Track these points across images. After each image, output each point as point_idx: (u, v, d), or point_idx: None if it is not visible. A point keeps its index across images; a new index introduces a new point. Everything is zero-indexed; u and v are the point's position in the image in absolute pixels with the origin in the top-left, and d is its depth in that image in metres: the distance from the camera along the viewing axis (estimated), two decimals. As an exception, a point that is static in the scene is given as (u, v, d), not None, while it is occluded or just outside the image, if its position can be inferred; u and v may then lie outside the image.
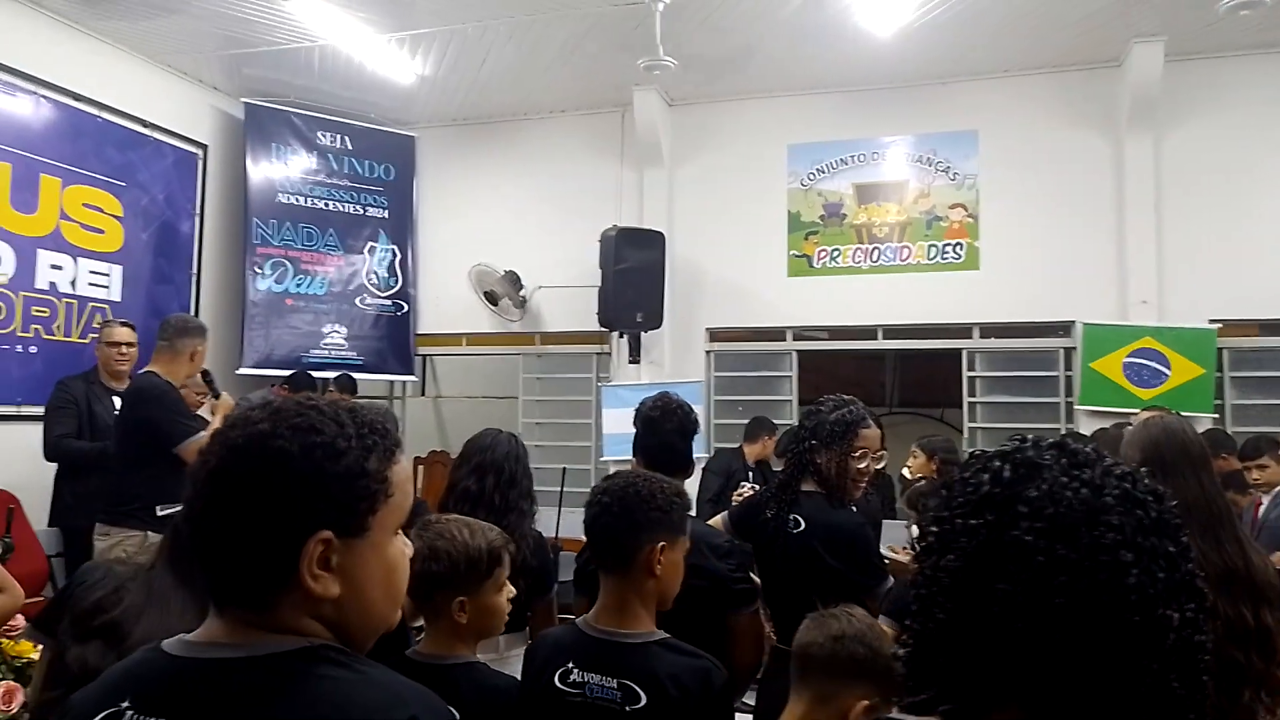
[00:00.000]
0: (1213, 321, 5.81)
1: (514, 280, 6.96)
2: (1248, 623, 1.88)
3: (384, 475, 1.00)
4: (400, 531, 1.05)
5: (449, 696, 1.03)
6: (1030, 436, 0.91)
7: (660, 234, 6.49)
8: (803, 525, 2.55)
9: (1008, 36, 5.82)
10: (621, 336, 6.65)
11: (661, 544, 1.86)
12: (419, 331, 7.47)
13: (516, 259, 6.99)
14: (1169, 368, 5.82)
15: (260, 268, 6.82)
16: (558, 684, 1.81)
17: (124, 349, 4.69)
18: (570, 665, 1.82)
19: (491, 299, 7.02)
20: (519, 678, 1.95)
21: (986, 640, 0.82)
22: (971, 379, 6.39)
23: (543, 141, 7.30)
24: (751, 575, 2.58)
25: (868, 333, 6.68)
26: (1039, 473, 0.84)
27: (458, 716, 0.97)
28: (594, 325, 6.58)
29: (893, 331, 6.64)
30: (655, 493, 1.90)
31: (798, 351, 6.80)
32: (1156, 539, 0.80)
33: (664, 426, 2.65)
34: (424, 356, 7.74)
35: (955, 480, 0.90)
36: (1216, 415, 5.75)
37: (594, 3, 5.41)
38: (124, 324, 4.81)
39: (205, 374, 4.14)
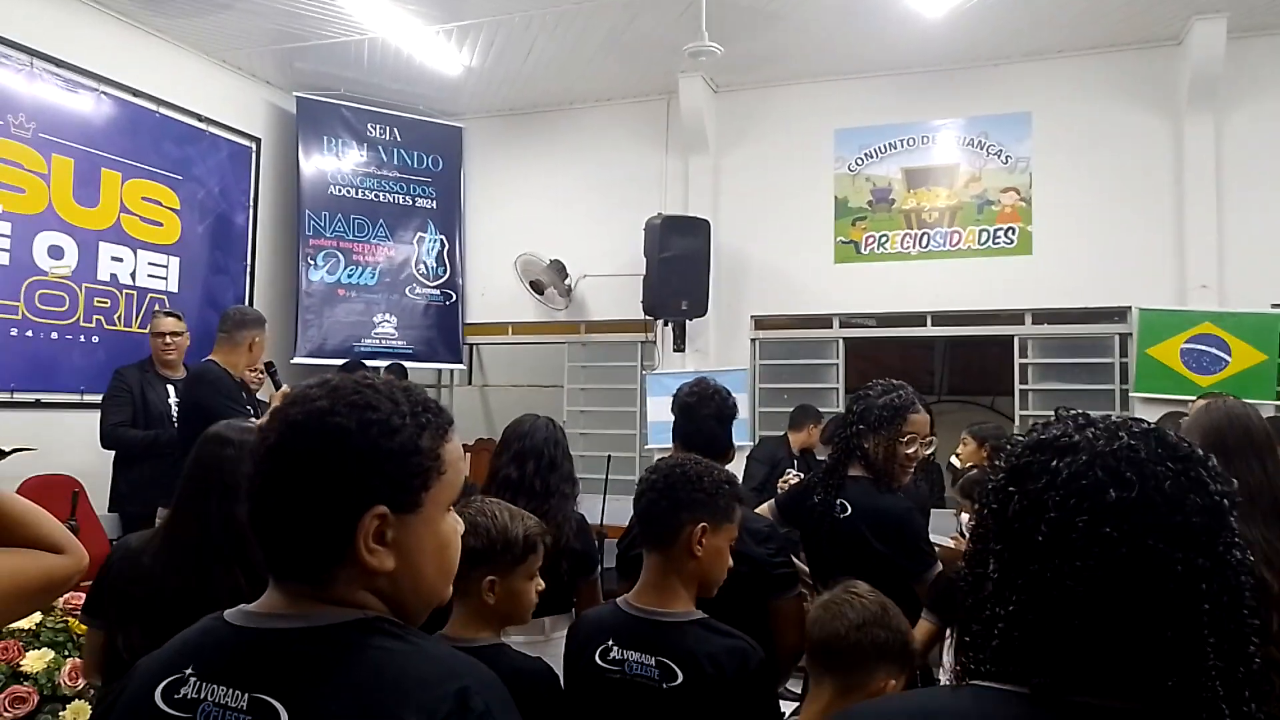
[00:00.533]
0: (1276, 306, 5.63)
1: (559, 269, 7.00)
2: None
3: (437, 452, 1.03)
4: (452, 509, 1.08)
5: None
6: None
7: (705, 221, 6.48)
8: (850, 510, 2.54)
9: (1061, 15, 5.68)
10: (666, 325, 6.66)
11: (704, 525, 1.88)
12: (466, 321, 7.55)
13: (562, 248, 7.03)
14: (1230, 354, 5.66)
15: (313, 258, 6.95)
16: (598, 661, 1.84)
17: (169, 338, 4.82)
18: (610, 643, 1.84)
19: (537, 288, 7.07)
20: (561, 658, 1.98)
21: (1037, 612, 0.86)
22: (1024, 366, 6.28)
23: (588, 130, 7.31)
24: (795, 560, 2.57)
25: (916, 319, 6.59)
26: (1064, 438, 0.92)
27: (506, 689, 0.98)
28: (639, 314, 6.59)
29: (942, 318, 6.54)
30: (703, 475, 1.94)
31: (844, 339, 6.74)
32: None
33: (701, 412, 2.66)
34: (471, 345, 7.83)
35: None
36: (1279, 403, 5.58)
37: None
38: (170, 314, 4.95)
39: (269, 365, 4.26)
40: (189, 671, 0.97)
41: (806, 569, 2.74)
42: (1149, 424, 0.92)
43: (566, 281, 7.02)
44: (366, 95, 7.12)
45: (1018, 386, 6.27)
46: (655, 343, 6.95)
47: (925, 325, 6.59)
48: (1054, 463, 0.88)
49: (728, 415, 2.68)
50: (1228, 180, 5.78)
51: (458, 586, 1.90)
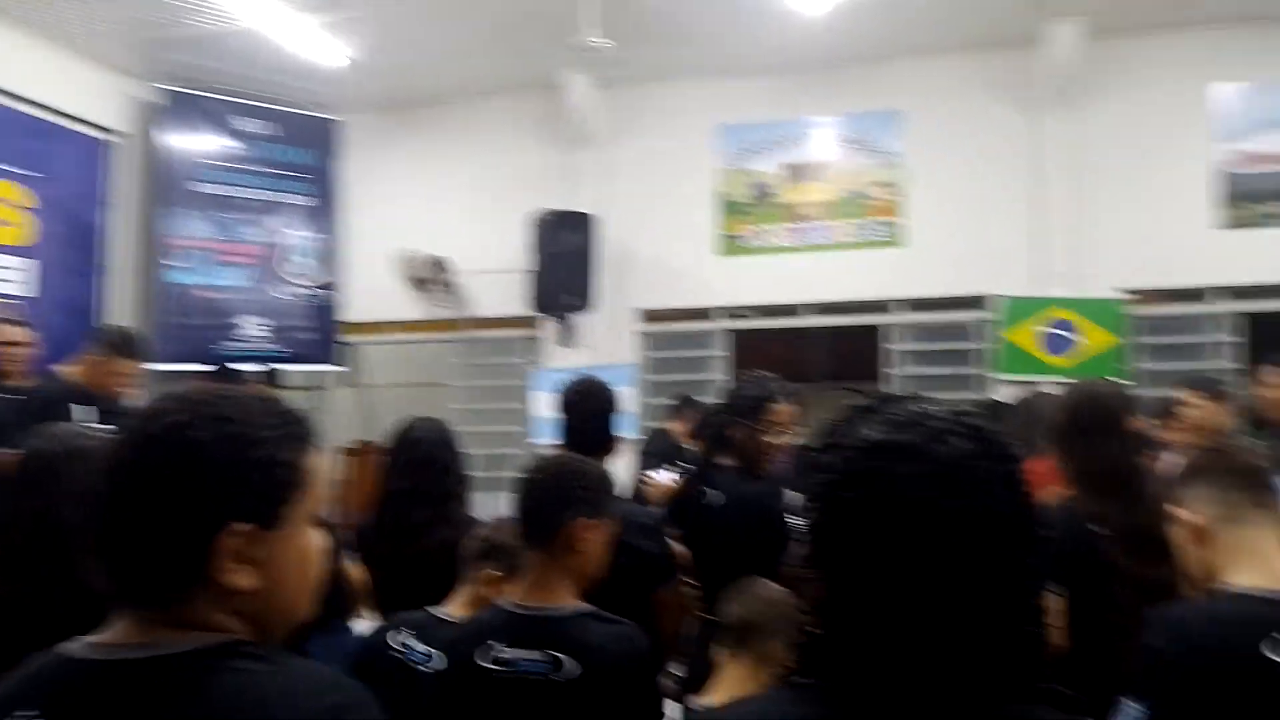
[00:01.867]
0: (1122, 290, 6.06)
1: (442, 265, 6.89)
2: (1153, 578, 1.97)
3: (299, 465, 0.99)
4: (313, 524, 1.04)
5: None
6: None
7: (590, 216, 6.50)
8: (722, 499, 2.63)
9: (931, 16, 5.93)
10: (561, 319, 6.65)
11: (585, 521, 1.91)
12: (346, 320, 7.35)
13: (446, 244, 6.92)
14: (1082, 336, 6.06)
15: (174, 259, 6.62)
16: (482, 663, 1.85)
17: (10, 348, 4.48)
18: (496, 643, 1.85)
19: (419, 285, 6.95)
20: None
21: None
22: (894, 352, 6.57)
23: (472, 124, 7.22)
24: (674, 549, 2.64)
25: (796, 310, 6.80)
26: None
27: (377, 706, 0.95)
28: (525, 310, 6.57)
29: (820, 308, 6.77)
30: (581, 473, 1.97)
31: (729, 331, 6.89)
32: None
33: (583, 408, 2.69)
34: (351, 345, 7.62)
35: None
36: (1129, 381, 6.00)
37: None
38: (12, 321, 4.61)
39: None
40: (36, 714, 0.91)
41: (686, 554, 2.81)
42: (973, 415, 0.92)
43: (450, 278, 6.92)
44: (238, 88, 6.81)
45: (887, 372, 6.57)
46: (542, 339, 6.94)
47: (805, 315, 6.80)
48: (891, 469, 0.87)
49: (609, 411, 2.71)
50: (1083, 175, 6.16)
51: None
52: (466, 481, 2.75)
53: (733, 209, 6.81)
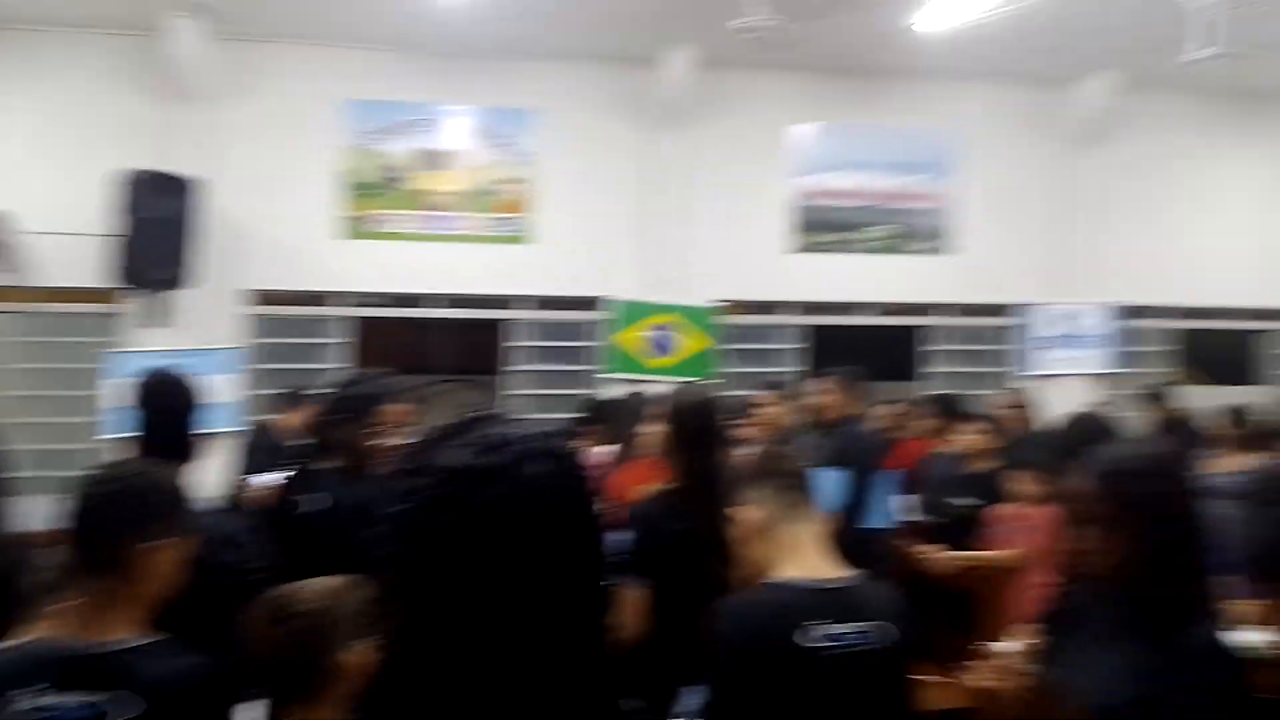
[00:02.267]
0: (715, 300, 6.79)
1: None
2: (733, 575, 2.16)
3: None
4: None
5: None
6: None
7: (191, 181, 5.79)
8: (327, 503, 2.49)
9: (564, 23, 6.13)
10: (151, 294, 5.85)
11: (157, 542, 1.71)
12: None
13: (4, 197, 5.76)
14: (681, 340, 6.69)
15: None
16: (20, 709, 1.57)
17: None
18: (36, 688, 1.58)
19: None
20: None
21: None
22: (513, 348, 6.76)
23: (46, 57, 6.09)
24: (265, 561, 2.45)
25: (425, 300, 6.69)
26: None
27: None
28: (105, 282, 5.69)
29: (448, 300, 6.73)
30: (147, 486, 1.75)
31: (354, 318, 6.58)
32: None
33: (161, 404, 2.37)
34: None
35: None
36: (721, 381, 6.73)
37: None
38: None
39: None
40: None
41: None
42: (549, 436, 0.95)
43: (5, 237, 5.77)
44: None
45: (507, 367, 6.75)
46: (123, 316, 6.07)
47: (433, 306, 6.72)
48: (480, 491, 0.87)
49: (188, 410, 2.41)
50: (688, 191, 6.79)
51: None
52: (9, 484, 2.28)
53: (359, 190, 6.50)
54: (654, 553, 2.29)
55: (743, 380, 6.73)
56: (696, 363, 6.65)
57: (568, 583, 0.89)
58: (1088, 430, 2.43)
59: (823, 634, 1.72)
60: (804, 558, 1.83)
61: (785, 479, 1.90)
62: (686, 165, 6.80)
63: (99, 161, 5.77)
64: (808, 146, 7.09)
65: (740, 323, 7.04)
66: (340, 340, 6.53)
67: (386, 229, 6.53)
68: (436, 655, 0.87)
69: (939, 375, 7.25)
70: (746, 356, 7.02)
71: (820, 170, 7.08)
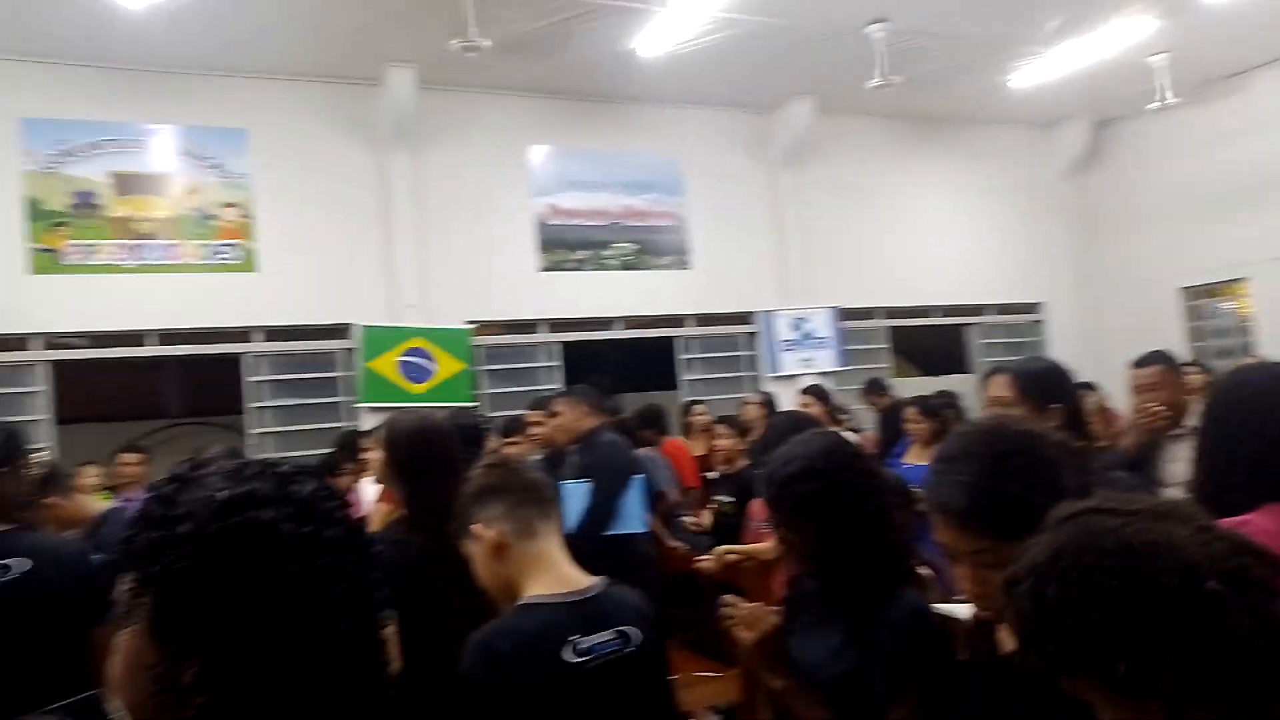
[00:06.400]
0: (469, 322, 6.66)
1: None
2: (477, 607, 2.05)
3: None
4: None
5: None
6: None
7: None
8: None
9: (277, 38, 5.79)
10: None
11: None
12: None
13: None
14: (436, 364, 6.49)
15: None
16: None
17: None
18: None
19: None
20: None
21: None
22: (256, 384, 6.24)
23: None
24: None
25: (138, 338, 6.02)
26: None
27: None
28: None
29: (168, 336, 6.10)
30: None
31: (51, 362, 5.80)
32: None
33: None
34: None
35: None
36: (477, 404, 6.60)
37: None
38: None
39: None
40: None
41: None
42: (287, 461, 0.93)
43: None
44: None
45: (250, 405, 6.22)
46: None
47: (148, 344, 6.07)
48: (257, 515, 0.84)
49: None
50: (427, 212, 6.62)
51: None
52: None
53: (49, 218, 5.74)
54: (393, 584, 2.15)
55: (504, 401, 6.68)
56: (455, 386, 6.48)
57: (358, 610, 0.87)
58: (782, 432, 2.60)
59: (586, 646, 1.69)
60: (550, 571, 1.79)
61: (517, 494, 1.84)
62: (424, 186, 6.63)
63: None
64: (546, 167, 7.16)
65: (495, 343, 6.96)
66: (40, 388, 5.72)
67: (87, 261, 5.81)
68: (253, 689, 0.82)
69: (697, 383, 7.56)
70: (505, 376, 6.94)
71: (559, 190, 7.17)
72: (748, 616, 1.78)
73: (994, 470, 1.22)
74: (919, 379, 8.59)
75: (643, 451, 4.97)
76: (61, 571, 2.21)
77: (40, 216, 5.71)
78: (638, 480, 4.10)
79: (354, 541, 0.90)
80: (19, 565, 2.18)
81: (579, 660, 1.68)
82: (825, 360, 7.86)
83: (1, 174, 5.63)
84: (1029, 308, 8.98)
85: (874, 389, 6.90)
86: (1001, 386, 2.54)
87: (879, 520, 1.73)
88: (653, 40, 6.06)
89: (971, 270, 8.53)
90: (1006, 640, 1.19)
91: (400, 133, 6.45)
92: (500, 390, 6.89)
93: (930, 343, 9.06)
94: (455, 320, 6.62)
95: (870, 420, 6.72)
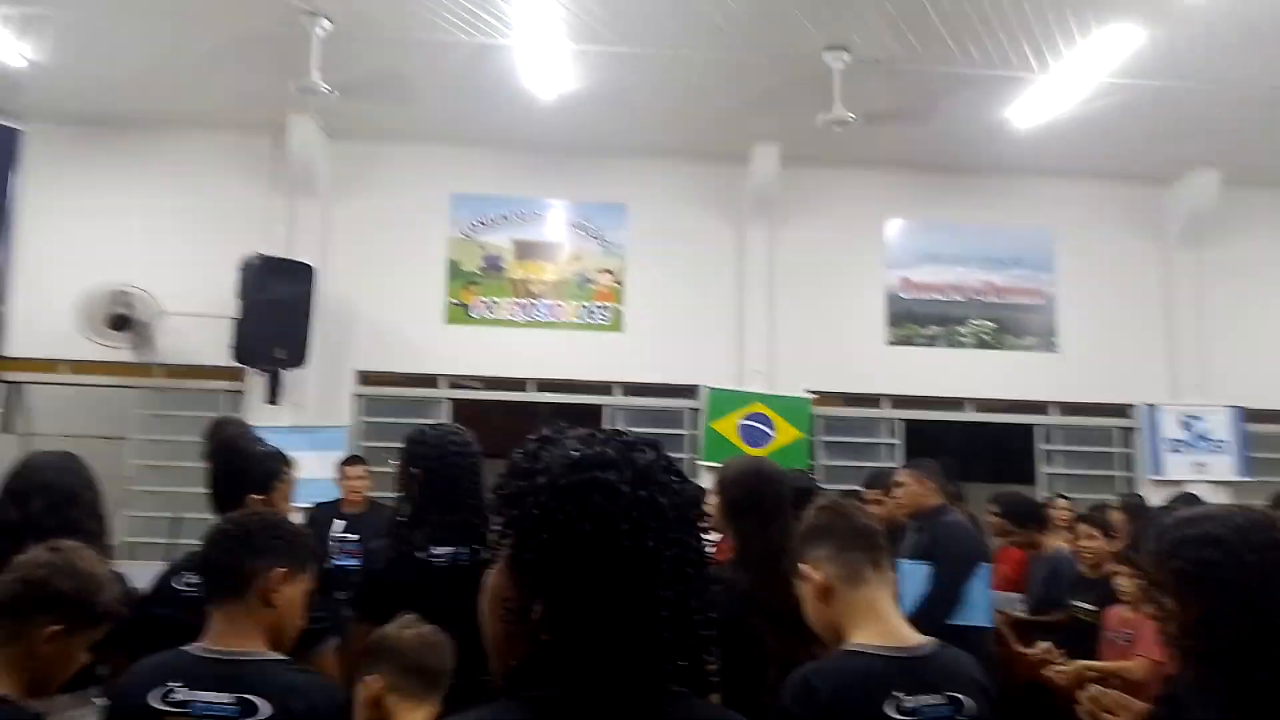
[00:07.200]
0: (810, 392, 6.70)
1: (134, 303, 6.19)
2: (798, 657, 2.05)
3: None
4: None
5: None
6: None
7: (309, 266, 6.16)
8: None
9: (653, 120, 6.38)
10: (269, 373, 6.15)
11: (279, 571, 1.83)
12: (7, 354, 6.38)
13: (139, 279, 6.23)
14: (775, 431, 6.59)
15: None
16: (155, 704, 1.69)
17: None
18: (173, 685, 1.71)
19: (106, 323, 6.18)
20: None
21: None
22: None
23: (181, 154, 6.68)
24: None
25: (520, 384, 6.84)
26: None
27: None
28: (227, 360, 6.05)
29: (544, 384, 6.86)
30: (278, 523, 1.94)
31: (451, 400, 6.77)
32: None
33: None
34: (12, 384, 6.62)
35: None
36: (813, 475, 6.57)
37: (245, 14, 5.11)
38: None
39: None
40: None
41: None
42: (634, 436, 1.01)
43: (141, 317, 6.20)
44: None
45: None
46: (247, 393, 6.41)
47: (528, 390, 6.86)
48: (603, 476, 0.94)
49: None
50: (778, 283, 6.82)
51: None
52: (100, 518, 2.36)
53: (463, 278, 6.79)
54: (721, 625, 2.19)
55: (839, 474, 6.59)
56: (792, 453, 6.51)
57: (682, 579, 0.94)
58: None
59: (911, 706, 1.62)
60: (878, 623, 1.73)
61: (846, 538, 1.79)
62: (778, 257, 6.85)
63: (223, 247, 6.19)
64: (902, 240, 7.06)
65: (836, 414, 6.92)
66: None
67: (489, 315, 6.77)
68: (581, 634, 0.91)
69: (1058, 477, 6.90)
70: (843, 450, 6.86)
71: (915, 264, 7.02)
72: (1116, 700, 1.57)
73: None
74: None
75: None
76: None
77: (458, 276, 6.78)
78: (985, 569, 3.82)
79: (685, 514, 0.96)
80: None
81: (901, 718, 1.61)
82: (1223, 468, 6.77)
83: (433, 240, 6.78)
84: None
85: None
86: None
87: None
88: (1028, 109, 5.79)
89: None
90: None
91: (761, 206, 6.76)
92: (836, 463, 6.80)
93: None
94: (798, 389, 6.69)
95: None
